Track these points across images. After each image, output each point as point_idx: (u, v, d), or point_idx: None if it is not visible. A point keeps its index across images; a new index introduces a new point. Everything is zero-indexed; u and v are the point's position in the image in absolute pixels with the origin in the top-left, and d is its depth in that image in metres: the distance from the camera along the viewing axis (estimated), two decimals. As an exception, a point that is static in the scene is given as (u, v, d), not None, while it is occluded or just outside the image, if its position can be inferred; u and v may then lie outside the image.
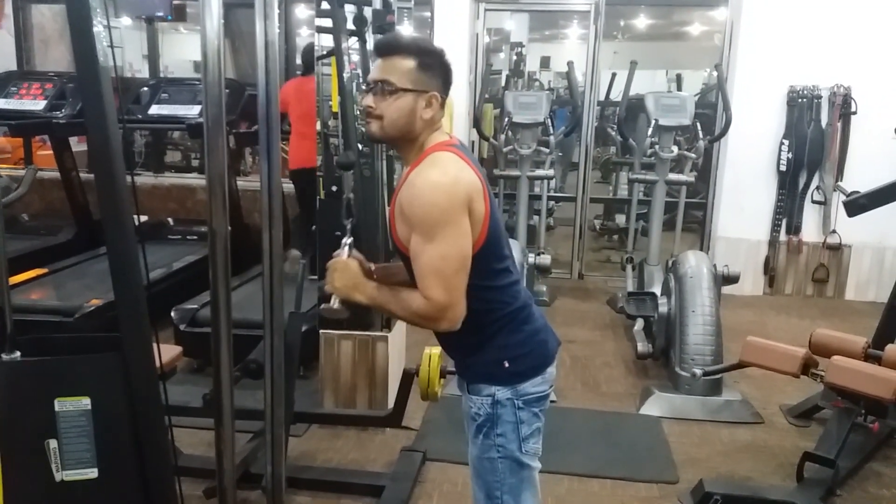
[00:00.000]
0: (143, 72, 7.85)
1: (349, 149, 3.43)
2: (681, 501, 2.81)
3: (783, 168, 5.49)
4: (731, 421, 3.49)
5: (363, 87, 1.68)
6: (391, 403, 3.14)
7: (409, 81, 1.59)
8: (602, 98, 7.33)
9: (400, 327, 3.55)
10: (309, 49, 5.12)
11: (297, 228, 4.94)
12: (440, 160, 1.59)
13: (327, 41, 3.60)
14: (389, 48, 1.61)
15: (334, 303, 1.69)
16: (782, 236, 5.64)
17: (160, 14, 6.18)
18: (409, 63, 1.59)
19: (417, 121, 1.61)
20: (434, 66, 1.62)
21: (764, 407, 3.64)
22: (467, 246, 1.56)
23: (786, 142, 5.46)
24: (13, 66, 6.49)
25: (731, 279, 4.20)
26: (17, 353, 1.68)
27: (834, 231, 5.54)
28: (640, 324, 4.36)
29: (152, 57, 6.94)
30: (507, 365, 1.67)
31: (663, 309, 3.99)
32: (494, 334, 1.67)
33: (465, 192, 1.55)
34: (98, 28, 1.46)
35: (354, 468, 3.00)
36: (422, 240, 1.54)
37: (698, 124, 5.00)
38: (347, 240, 1.78)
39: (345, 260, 1.71)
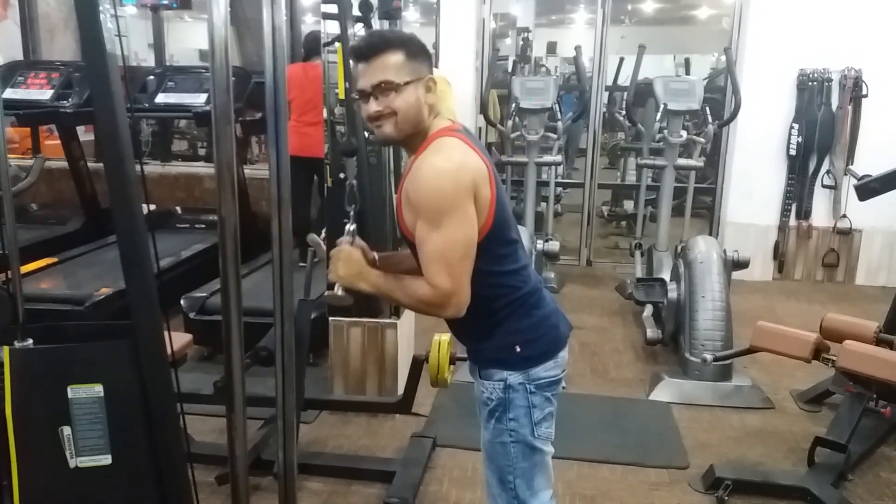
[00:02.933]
0: (149, 61, 7.83)
1: (354, 135, 3.42)
2: (691, 486, 2.82)
3: (793, 152, 5.45)
4: (741, 406, 3.49)
5: (354, 97, 1.67)
6: (401, 390, 3.14)
7: (407, 74, 1.58)
8: (609, 83, 7.28)
9: (409, 314, 3.55)
10: (310, 36, 5.09)
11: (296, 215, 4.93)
12: (445, 146, 1.58)
13: (333, 28, 3.58)
14: (375, 48, 1.59)
15: (338, 290, 1.70)
16: (792, 221, 5.61)
17: (165, 2, 6.16)
18: (398, 57, 1.58)
19: (424, 109, 1.61)
20: (419, 52, 1.62)
21: (774, 392, 3.63)
22: (472, 232, 1.55)
23: (796, 126, 5.41)
24: (19, 56, 6.48)
25: (741, 264, 4.17)
26: (30, 341, 1.69)
27: (844, 215, 5.50)
28: (649, 310, 4.34)
29: (158, 45, 6.91)
30: (518, 349, 1.67)
31: (673, 295, 3.98)
32: (504, 319, 1.67)
33: (471, 178, 1.54)
34: (104, 16, 1.45)
35: (365, 454, 3.02)
36: (427, 227, 1.53)
37: (707, 108, 4.96)
38: (351, 226, 1.77)
39: (348, 249, 1.71)
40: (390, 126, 1.60)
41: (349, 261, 1.68)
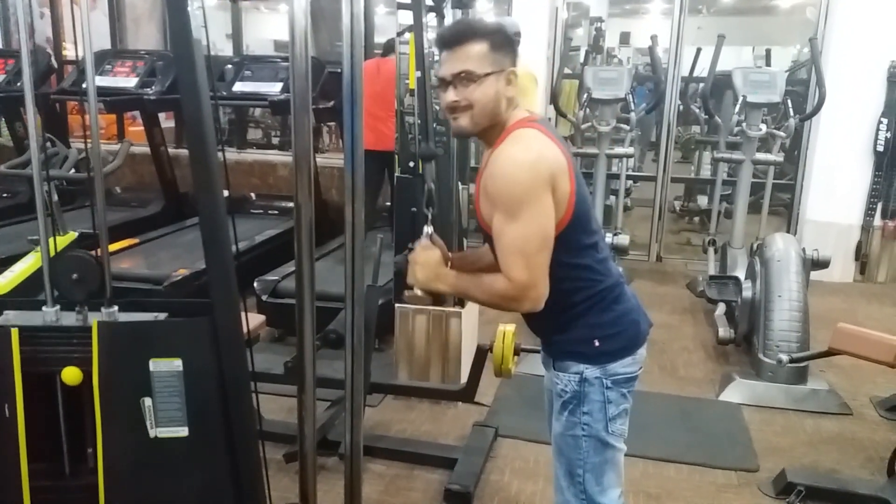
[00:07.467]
0: (225, 50, 8.08)
1: (426, 127, 3.43)
2: (761, 490, 2.73)
3: (880, 148, 5.20)
4: (816, 411, 3.36)
5: (434, 84, 1.66)
6: (463, 378, 3.16)
7: (488, 65, 1.56)
8: (685, 74, 7.07)
9: (473, 303, 3.56)
10: (391, 39, 5.17)
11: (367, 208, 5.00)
12: (523, 137, 1.57)
13: (406, 18, 3.60)
14: (460, 37, 1.57)
15: (417, 290, 1.73)
16: (877, 221, 5.35)
17: (244, -7, 6.32)
18: (482, 47, 1.56)
19: (503, 101, 1.59)
20: (504, 43, 1.59)
21: (853, 398, 3.48)
22: (550, 225, 1.53)
23: (884, 120, 5.16)
24: (107, 45, 6.77)
25: (821, 264, 4.01)
26: (115, 308, 1.75)
27: (935, 216, 5.21)
28: (721, 308, 4.23)
29: (236, 36, 7.11)
30: (597, 344, 1.65)
31: (747, 293, 3.86)
32: (584, 312, 1.65)
33: (549, 170, 1.52)
34: (191, 6, 1.50)
35: (427, 440, 3.04)
36: (504, 218, 1.52)
37: (789, 101, 4.76)
38: (428, 229, 1.79)
39: (426, 253, 1.73)
40: (466, 119, 1.59)
41: (426, 265, 1.70)
